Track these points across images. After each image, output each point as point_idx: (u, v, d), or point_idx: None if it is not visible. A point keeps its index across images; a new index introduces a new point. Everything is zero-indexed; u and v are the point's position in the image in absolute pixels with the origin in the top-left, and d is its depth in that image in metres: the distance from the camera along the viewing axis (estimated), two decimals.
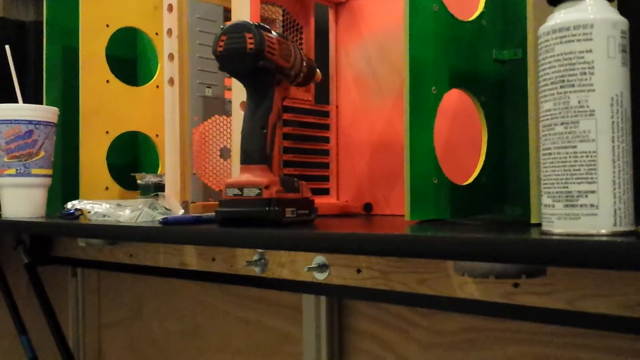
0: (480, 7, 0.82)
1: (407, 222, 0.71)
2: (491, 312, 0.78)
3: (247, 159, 0.70)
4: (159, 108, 1.25)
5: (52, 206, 1.15)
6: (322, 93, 1.03)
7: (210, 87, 1.00)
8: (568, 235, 0.46)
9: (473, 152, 0.85)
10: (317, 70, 0.84)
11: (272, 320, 1.23)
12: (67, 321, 1.62)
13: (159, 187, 1.04)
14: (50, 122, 1.05)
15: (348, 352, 1.11)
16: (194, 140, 0.99)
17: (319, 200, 0.99)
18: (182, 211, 0.92)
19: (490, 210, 0.82)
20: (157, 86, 1.25)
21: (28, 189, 1.03)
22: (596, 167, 0.45)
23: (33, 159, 1.03)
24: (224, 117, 1.03)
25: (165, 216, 0.73)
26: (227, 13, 1.03)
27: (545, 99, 0.48)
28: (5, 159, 1.02)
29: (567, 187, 0.46)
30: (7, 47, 1.06)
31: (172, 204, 0.93)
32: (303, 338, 1.12)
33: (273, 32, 0.72)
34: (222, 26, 0.69)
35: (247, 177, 0.69)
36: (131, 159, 1.34)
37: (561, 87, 0.46)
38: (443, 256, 0.50)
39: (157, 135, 1.25)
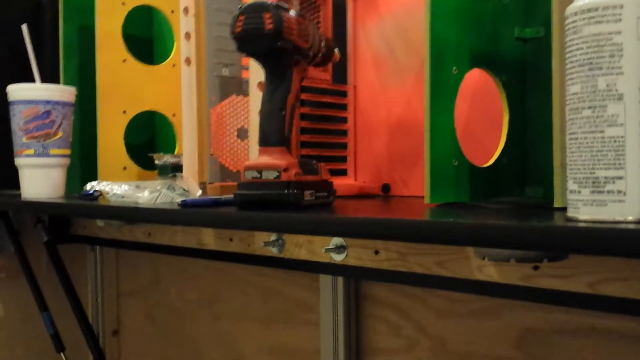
0: None
1: (427, 205, 0.70)
2: (510, 294, 0.77)
3: (265, 141, 0.70)
4: (175, 87, 1.24)
5: (71, 185, 1.16)
6: (340, 72, 1.02)
7: (227, 67, 1.00)
8: (594, 222, 0.45)
9: (493, 132, 0.84)
10: (336, 49, 0.83)
11: (288, 288, 1.24)
12: (87, 294, 1.64)
13: (177, 168, 1.04)
14: (67, 102, 1.05)
15: (365, 320, 1.11)
16: (211, 120, 0.98)
17: (336, 181, 0.98)
18: (200, 192, 0.92)
19: (511, 192, 0.81)
20: (174, 65, 1.25)
21: (47, 169, 1.04)
22: (624, 152, 0.44)
23: (51, 139, 1.03)
24: (242, 96, 1.02)
25: (184, 198, 0.73)
26: None
27: (573, 82, 0.46)
28: (24, 139, 1.02)
29: (594, 173, 0.45)
30: (24, 26, 1.06)
31: (190, 185, 0.93)
32: (320, 305, 1.13)
33: (291, 11, 0.71)
34: (239, 6, 0.68)
35: (265, 159, 0.69)
36: (148, 138, 1.34)
37: (589, 69, 0.45)
38: (465, 243, 0.50)
39: (174, 115, 1.25)
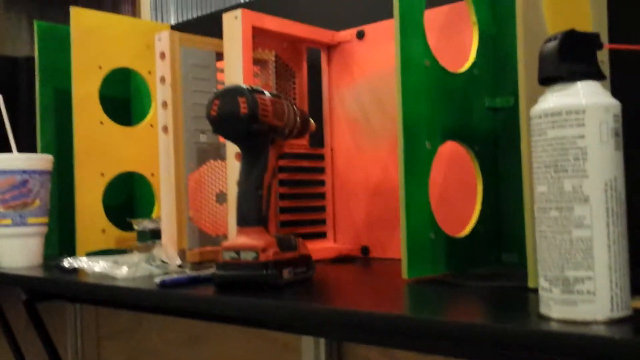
0: (472, 56, 0.82)
1: (404, 280, 0.71)
2: None
3: (243, 221, 0.70)
4: (153, 147, 1.25)
5: (49, 249, 1.15)
6: (317, 135, 1.04)
7: (204, 133, 1.00)
8: (565, 321, 0.46)
9: (468, 200, 0.85)
10: (311, 120, 0.84)
11: (272, 333, 1.23)
12: (66, 340, 1.63)
13: (156, 234, 1.04)
14: (45, 170, 1.05)
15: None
16: (189, 187, 0.98)
17: (316, 245, 0.99)
18: (179, 261, 0.92)
19: (488, 259, 0.82)
20: (151, 125, 1.25)
21: (24, 238, 1.03)
22: (592, 253, 0.45)
23: (28, 209, 1.03)
24: (219, 161, 1.03)
25: (162, 276, 0.73)
26: (219, 57, 1.03)
27: (540, 182, 0.48)
28: (1, 209, 1.02)
29: (563, 273, 0.46)
30: None
31: (169, 254, 0.93)
32: (302, 347, 1.13)
33: (266, 92, 0.72)
34: (214, 90, 0.69)
35: (243, 240, 0.69)
36: (127, 198, 1.34)
37: (555, 171, 0.46)
38: (436, 351, 0.50)
39: (152, 174, 1.25)
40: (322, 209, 1.02)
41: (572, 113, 0.46)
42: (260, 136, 0.71)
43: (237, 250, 0.69)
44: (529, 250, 0.62)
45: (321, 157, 1.02)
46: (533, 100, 0.60)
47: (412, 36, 0.73)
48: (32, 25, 1.50)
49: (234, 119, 0.68)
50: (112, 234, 1.19)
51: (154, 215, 1.25)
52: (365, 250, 0.99)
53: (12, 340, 1.43)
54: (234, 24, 0.87)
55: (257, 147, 0.71)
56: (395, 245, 0.95)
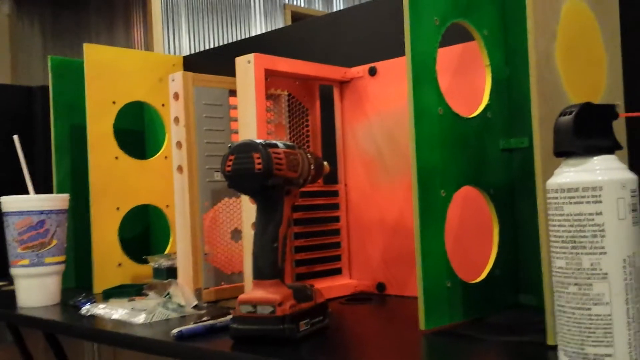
0: (485, 99, 0.82)
1: (422, 331, 0.71)
2: None
3: (259, 275, 0.70)
4: (168, 179, 1.26)
5: (66, 280, 1.15)
6: (331, 170, 1.04)
7: (218, 172, 1.01)
8: None
9: (483, 243, 0.85)
10: (325, 164, 0.84)
11: None
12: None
13: (171, 272, 1.05)
14: (61, 210, 1.06)
15: None
16: (204, 225, 0.99)
17: (332, 282, 0.99)
18: (196, 302, 0.93)
19: (504, 302, 0.82)
20: (166, 157, 1.26)
21: (42, 278, 1.04)
22: (612, 330, 0.45)
23: (46, 249, 1.04)
24: (234, 198, 1.03)
25: (180, 329, 0.74)
26: (232, 94, 1.04)
27: (558, 256, 0.48)
28: (19, 250, 1.03)
29: (583, 349, 0.46)
30: (15, 137, 1.07)
31: (186, 295, 0.93)
32: None
33: (279, 144, 0.72)
34: (229, 145, 0.70)
35: (260, 294, 0.69)
36: (142, 230, 1.35)
37: (572, 247, 0.46)
38: None
39: (167, 206, 1.26)
40: (337, 245, 1.02)
41: (589, 189, 0.46)
42: (275, 189, 0.71)
43: (254, 304, 0.69)
44: (547, 307, 0.62)
45: (335, 194, 1.02)
46: (547, 143, 0.59)
47: (425, 85, 0.73)
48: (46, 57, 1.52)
49: (249, 175, 0.68)
50: (129, 268, 1.20)
51: (169, 247, 1.26)
52: (381, 286, 0.99)
53: None
54: (247, 68, 0.88)
55: (272, 200, 0.72)
56: (412, 282, 0.95)
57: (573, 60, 0.68)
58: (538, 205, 0.63)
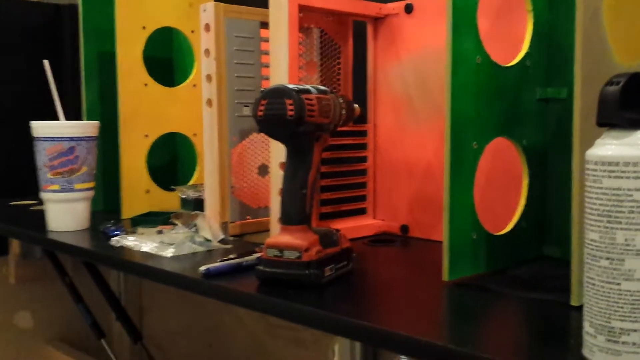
0: (525, 47, 0.79)
1: (444, 282, 0.71)
2: None
3: (287, 220, 0.71)
4: (196, 107, 1.25)
5: (94, 203, 1.17)
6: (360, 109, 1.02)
7: (247, 106, 1.00)
8: None
9: (511, 194, 0.84)
10: (356, 106, 0.83)
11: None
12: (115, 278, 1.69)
13: (199, 203, 1.06)
14: (91, 137, 1.07)
15: None
16: (232, 160, 0.99)
17: (356, 222, 1.00)
18: (222, 236, 0.94)
19: (528, 253, 0.82)
20: (194, 85, 1.25)
21: (72, 203, 1.06)
22: None
23: (76, 175, 1.05)
24: (262, 134, 1.03)
25: (207, 267, 0.75)
26: (263, 26, 1.01)
27: (591, 229, 0.47)
28: (49, 175, 1.04)
29: (609, 322, 0.46)
30: (45, 62, 1.07)
31: (213, 228, 0.95)
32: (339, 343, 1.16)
33: (312, 89, 0.71)
34: (262, 89, 0.69)
35: (287, 239, 0.70)
36: (170, 159, 1.35)
37: (608, 222, 0.46)
38: None
39: (194, 135, 1.26)
40: (363, 185, 1.02)
41: (630, 165, 0.45)
42: (306, 135, 0.70)
43: (281, 248, 0.70)
44: (574, 270, 0.62)
45: (364, 134, 1.01)
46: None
47: (464, 32, 0.71)
48: None
49: (281, 121, 0.68)
50: (156, 195, 1.22)
51: (195, 176, 1.27)
52: (404, 228, 0.99)
53: (67, 279, 1.48)
54: (281, 2, 0.85)
55: (302, 146, 0.71)
56: (435, 227, 0.96)
57: (621, 14, 0.65)
58: (573, 166, 0.62)
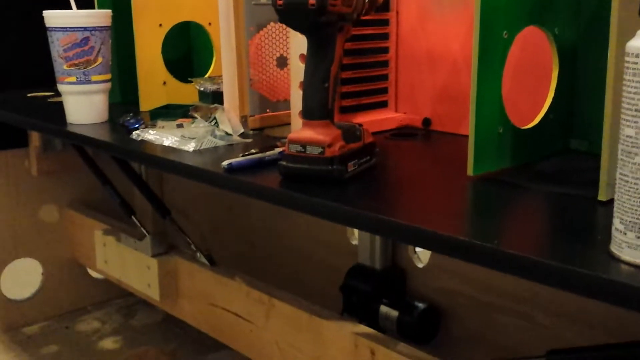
0: None
1: (469, 177, 0.71)
2: None
3: (309, 115, 0.69)
4: None
5: (112, 96, 1.15)
6: None
7: None
8: (636, 266, 0.46)
9: (539, 85, 0.81)
10: None
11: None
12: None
13: (217, 95, 1.04)
14: (105, 27, 1.04)
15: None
16: (250, 52, 0.96)
17: (377, 115, 0.98)
18: (242, 130, 0.93)
19: (555, 146, 0.80)
20: None
21: (89, 95, 1.05)
22: None
23: (92, 66, 1.03)
24: (280, 24, 0.99)
25: (230, 161, 0.74)
26: None
27: (628, 124, 0.45)
28: (65, 67, 1.03)
29: None
30: None
31: (233, 122, 0.94)
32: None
33: None
34: None
35: (309, 134, 0.69)
36: (185, 50, 1.32)
37: None
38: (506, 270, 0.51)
39: (209, 24, 1.22)
40: (385, 77, 0.99)
41: None
42: (329, 26, 0.68)
43: (304, 144, 0.69)
44: (603, 165, 0.60)
45: (386, 23, 0.97)
46: None
47: None
48: None
49: (302, 11, 0.65)
50: (173, 87, 1.20)
51: (212, 67, 1.24)
52: (427, 122, 0.97)
53: (90, 162, 1.47)
54: None
55: (324, 38, 0.68)
56: (458, 120, 0.94)
57: None
58: (609, 58, 0.59)
